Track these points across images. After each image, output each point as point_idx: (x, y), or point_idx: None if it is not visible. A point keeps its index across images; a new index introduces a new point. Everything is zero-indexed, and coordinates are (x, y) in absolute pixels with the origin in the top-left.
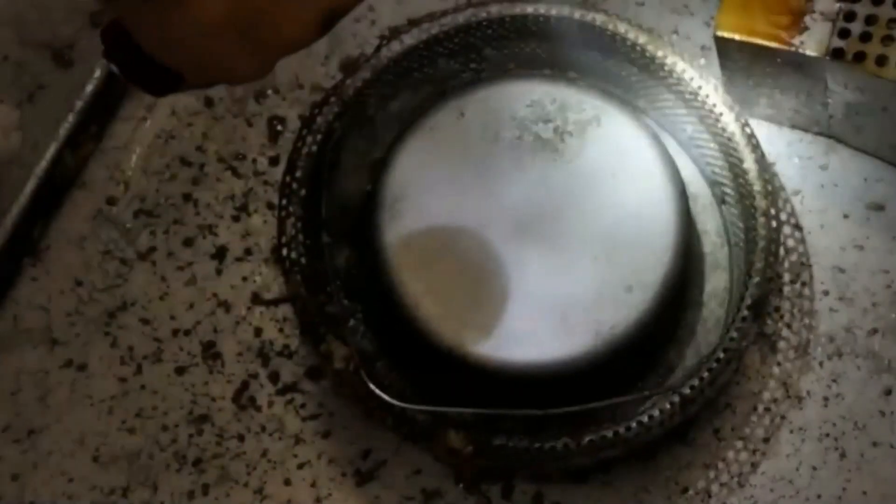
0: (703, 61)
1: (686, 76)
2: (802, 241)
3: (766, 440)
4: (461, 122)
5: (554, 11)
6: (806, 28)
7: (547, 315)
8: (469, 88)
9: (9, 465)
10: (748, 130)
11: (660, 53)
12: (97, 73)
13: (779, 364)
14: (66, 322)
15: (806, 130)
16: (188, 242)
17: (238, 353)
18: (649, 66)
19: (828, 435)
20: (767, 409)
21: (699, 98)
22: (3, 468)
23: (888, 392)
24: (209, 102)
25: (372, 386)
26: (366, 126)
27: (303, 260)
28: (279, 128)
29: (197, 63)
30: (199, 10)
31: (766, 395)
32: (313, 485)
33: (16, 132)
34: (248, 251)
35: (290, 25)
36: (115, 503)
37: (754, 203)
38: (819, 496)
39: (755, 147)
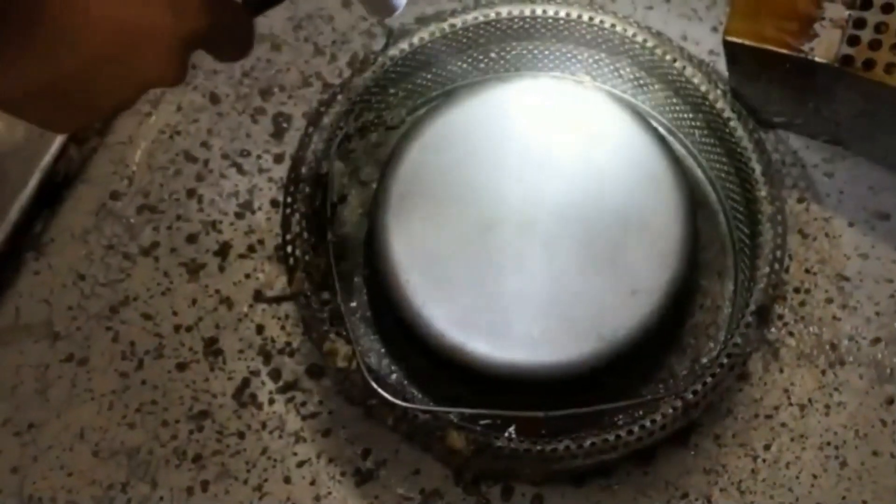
0: (711, 66)
1: (694, 80)
2: (807, 247)
3: (766, 447)
4: (468, 123)
5: (562, 13)
6: (815, 35)
7: (551, 317)
8: (476, 89)
9: (8, 458)
10: (756, 136)
11: (668, 57)
12: None
13: (781, 371)
14: (68, 316)
15: (813, 137)
16: (191, 238)
17: (239, 350)
18: (657, 70)
19: (829, 443)
20: (769, 416)
21: (707, 103)
22: (2, 461)
23: (890, 401)
24: (215, 99)
25: (374, 385)
26: (372, 125)
27: (307, 258)
28: (285, 125)
29: (15, 113)
30: (12, 75)
31: (768, 402)
32: (313, 483)
33: (20, 125)
34: (251, 248)
35: (106, 97)
36: (114, 498)
37: (760, 209)
38: None
39: (762, 153)
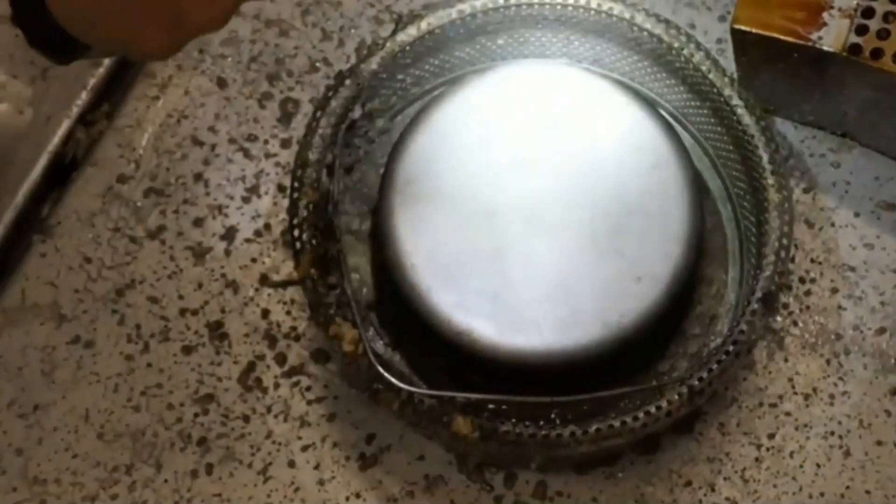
0: (718, 54)
1: (702, 68)
2: (813, 237)
3: (770, 436)
4: (475, 109)
5: (570, 0)
6: (823, 24)
7: (556, 303)
8: (483, 75)
9: (13, 439)
10: (763, 124)
11: (676, 45)
12: None
13: (786, 360)
14: (74, 298)
15: (820, 127)
16: (198, 222)
17: (245, 334)
18: (665, 57)
19: (833, 433)
20: (773, 405)
21: (715, 90)
22: (7, 443)
23: (894, 392)
24: (222, 83)
25: (380, 369)
26: (379, 110)
27: (313, 242)
28: (292, 110)
29: (105, 36)
30: None
31: (773, 391)
32: (317, 467)
33: (28, 108)
34: (257, 233)
35: (202, 8)
36: (119, 480)
37: (767, 197)
38: (822, 494)
39: (769, 141)
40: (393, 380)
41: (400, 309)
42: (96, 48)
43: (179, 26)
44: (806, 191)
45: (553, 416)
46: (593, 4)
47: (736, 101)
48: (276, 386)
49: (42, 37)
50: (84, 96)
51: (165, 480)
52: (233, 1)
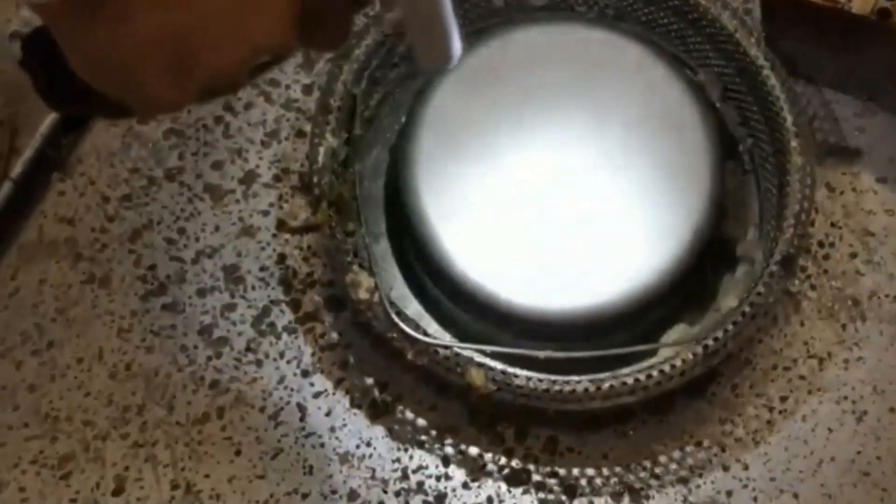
0: (746, 15)
1: (729, 28)
2: (834, 201)
3: (783, 399)
4: (500, 63)
5: None
6: None
7: (576, 258)
8: (510, 29)
9: (26, 375)
10: (788, 86)
11: (703, 3)
12: None
13: (802, 324)
14: (91, 237)
15: (845, 92)
16: (217, 165)
17: (260, 278)
18: (691, 16)
19: (846, 398)
20: (787, 368)
21: (741, 51)
22: (20, 378)
23: None
24: None
25: (395, 318)
26: (403, 60)
27: (332, 189)
28: (315, 56)
29: (119, 84)
30: (137, 26)
31: (787, 354)
32: (328, 414)
33: None
34: (276, 178)
35: (212, 59)
36: (130, 420)
37: (789, 159)
38: (833, 458)
39: (794, 103)
40: (408, 329)
41: (417, 258)
42: (109, 95)
43: (187, 72)
44: (829, 154)
45: (568, 370)
46: None
47: (762, 61)
48: (290, 332)
49: (49, 84)
50: None
51: (177, 422)
52: (249, 49)
